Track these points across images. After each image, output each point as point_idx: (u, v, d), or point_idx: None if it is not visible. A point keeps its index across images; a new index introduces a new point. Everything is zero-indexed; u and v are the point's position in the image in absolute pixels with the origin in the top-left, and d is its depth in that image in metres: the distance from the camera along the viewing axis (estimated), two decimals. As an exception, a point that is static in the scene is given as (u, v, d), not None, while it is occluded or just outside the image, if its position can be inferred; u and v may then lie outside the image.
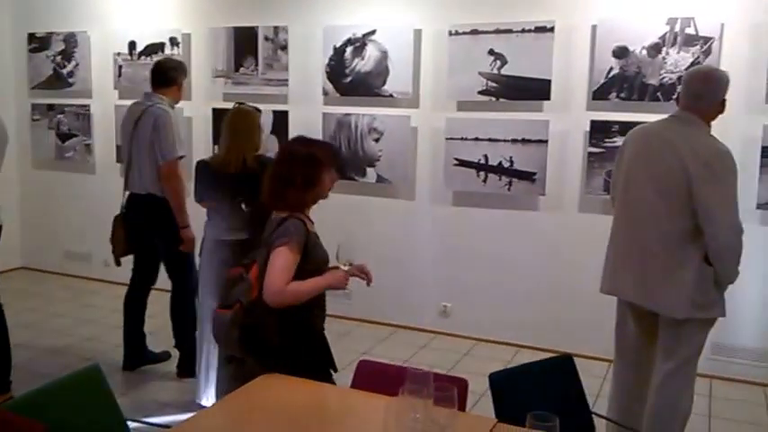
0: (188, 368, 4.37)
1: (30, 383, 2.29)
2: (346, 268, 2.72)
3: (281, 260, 2.55)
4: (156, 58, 5.72)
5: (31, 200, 7.01)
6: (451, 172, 5.13)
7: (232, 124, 3.79)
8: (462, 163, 5.09)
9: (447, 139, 5.11)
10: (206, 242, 3.90)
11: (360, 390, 2.41)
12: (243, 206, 3.74)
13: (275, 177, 2.75)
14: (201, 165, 3.88)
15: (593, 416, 2.58)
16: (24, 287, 6.52)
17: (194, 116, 6.04)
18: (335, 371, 2.75)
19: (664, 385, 3.06)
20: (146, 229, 4.40)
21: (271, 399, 2.39)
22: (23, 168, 6.93)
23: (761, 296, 4.42)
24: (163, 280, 4.56)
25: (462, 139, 5.06)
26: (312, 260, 2.66)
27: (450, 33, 5.02)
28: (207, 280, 3.86)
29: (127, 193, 4.43)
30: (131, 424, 2.44)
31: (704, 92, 3.02)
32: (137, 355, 4.56)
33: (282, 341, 2.62)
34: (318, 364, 2.70)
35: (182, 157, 4.28)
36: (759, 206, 4.35)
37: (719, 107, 3.05)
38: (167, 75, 4.38)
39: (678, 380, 3.06)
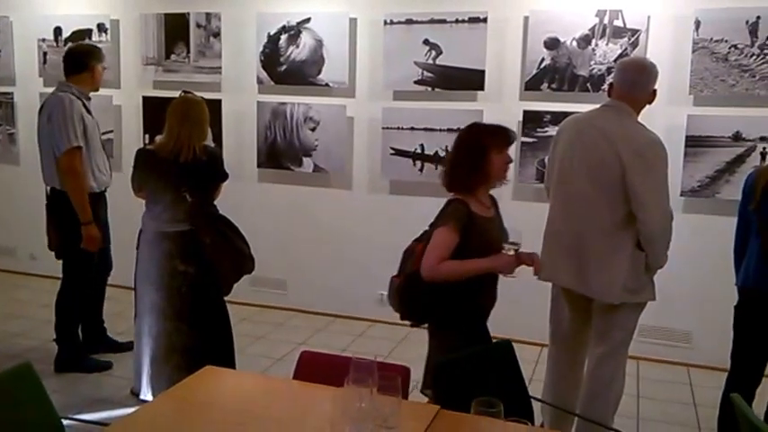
0: (68, 365, 4.35)
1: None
2: (512, 252, 2.79)
3: (438, 239, 2.75)
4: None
5: (-51, 191, 6.71)
6: (388, 161, 5.16)
7: (182, 113, 3.67)
8: (399, 152, 5.12)
9: (383, 128, 5.13)
10: (145, 234, 3.80)
11: (302, 381, 2.41)
12: (187, 196, 3.67)
13: (448, 163, 2.92)
14: (145, 153, 3.77)
15: (531, 399, 2.66)
16: (-56, 282, 6.27)
17: (124, 104, 5.89)
18: None
19: (597, 368, 3.17)
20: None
21: (214, 391, 2.37)
22: (-59, 158, 6.63)
23: (685, 280, 4.59)
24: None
25: (398, 128, 5.09)
26: (475, 241, 2.77)
27: (386, 23, 5.03)
28: (147, 273, 3.77)
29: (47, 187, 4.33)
30: (66, 422, 2.38)
31: (638, 82, 3.11)
32: (87, 348, 4.51)
33: (430, 314, 2.89)
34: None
35: (78, 149, 4.10)
36: (683, 193, 4.52)
37: (651, 97, 3.15)
38: (78, 60, 4.25)
39: (611, 363, 3.16)
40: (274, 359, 4.66)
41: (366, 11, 5.14)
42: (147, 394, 3.85)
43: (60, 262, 4.36)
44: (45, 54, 6.02)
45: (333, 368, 2.25)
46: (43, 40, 6.03)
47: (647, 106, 3.21)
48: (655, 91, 3.16)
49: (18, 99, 6.21)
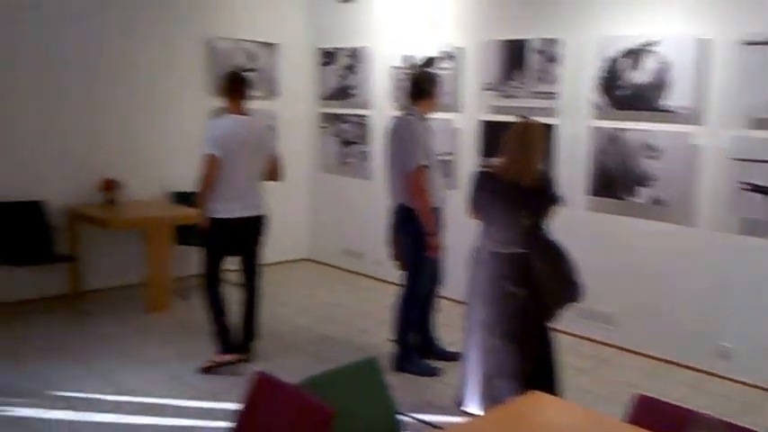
0: (401, 365, 4.67)
1: (314, 368, 2.51)
2: None
3: None
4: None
5: (318, 200, 7.74)
6: (738, 196, 4.67)
7: (523, 138, 3.75)
8: (755, 188, 4.58)
9: (733, 159, 4.66)
10: (480, 253, 3.91)
11: (636, 425, 2.29)
12: (523, 220, 3.73)
13: None
14: (485, 175, 3.90)
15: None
16: (306, 276, 7.27)
17: (463, 127, 6.20)
18: None
19: None
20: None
21: (541, 418, 2.37)
22: (313, 171, 7.69)
23: None
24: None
25: (753, 160, 4.57)
26: None
27: (744, 43, 4.58)
28: (478, 289, 3.89)
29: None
30: (399, 417, 2.54)
31: None
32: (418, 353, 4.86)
33: None
34: None
35: (425, 167, 4.43)
36: None
37: None
38: (417, 87, 4.65)
39: None
40: (598, 395, 4.46)
41: (720, 31, 4.69)
42: (470, 406, 3.97)
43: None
44: (398, 80, 6.59)
45: (672, 419, 2.12)
46: (396, 67, 6.61)
47: None
48: None
49: (372, 121, 6.90)
